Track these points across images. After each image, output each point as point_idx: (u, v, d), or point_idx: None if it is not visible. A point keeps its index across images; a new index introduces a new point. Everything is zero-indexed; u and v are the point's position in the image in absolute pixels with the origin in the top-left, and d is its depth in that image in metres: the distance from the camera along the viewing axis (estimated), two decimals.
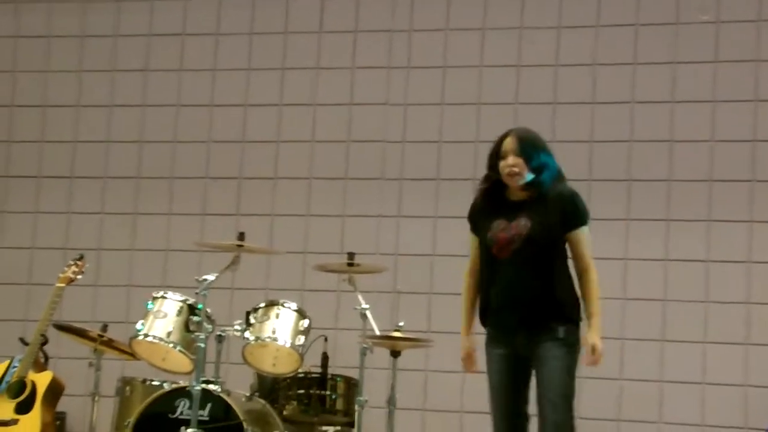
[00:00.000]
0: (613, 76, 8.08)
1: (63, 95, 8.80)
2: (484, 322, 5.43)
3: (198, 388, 6.23)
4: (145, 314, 6.60)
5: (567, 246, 5.39)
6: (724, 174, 7.85)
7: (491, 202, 5.39)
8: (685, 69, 7.98)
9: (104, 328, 6.98)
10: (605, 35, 8.12)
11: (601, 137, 8.06)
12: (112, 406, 6.86)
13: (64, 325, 7.14)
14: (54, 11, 8.87)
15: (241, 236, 6.66)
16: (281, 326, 6.60)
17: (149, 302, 6.64)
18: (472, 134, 8.11)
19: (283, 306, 6.68)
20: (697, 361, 7.71)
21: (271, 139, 8.50)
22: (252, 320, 6.62)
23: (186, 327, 6.52)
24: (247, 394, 6.72)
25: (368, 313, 6.50)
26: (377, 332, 6.45)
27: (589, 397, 7.73)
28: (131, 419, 6.45)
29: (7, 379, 6.98)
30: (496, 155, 5.36)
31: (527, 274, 5.26)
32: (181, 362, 6.58)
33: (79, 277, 7.25)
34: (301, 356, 6.58)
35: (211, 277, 6.37)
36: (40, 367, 7.14)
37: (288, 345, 6.55)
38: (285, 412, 6.74)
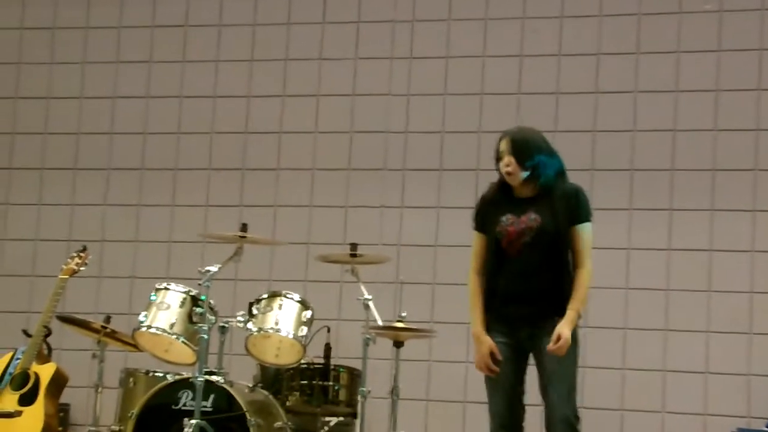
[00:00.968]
0: (616, 66, 8.07)
1: (66, 87, 8.81)
2: (487, 314, 5.44)
3: (201, 379, 6.24)
4: (148, 306, 6.60)
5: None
6: (727, 163, 7.84)
7: (500, 197, 5.49)
8: (689, 58, 7.97)
9: (107, 319, 6.99)
10: (608, 25, 8.11)
11: (604, 127, 8.05)
12: (116, 398, 6.86)
13: (68, 316, 7.15)
14: (59, 3, 8.88)
15: (244, 227, 6.67)
16: (284, 317, 6.61)
17: (152, 294, 6.65)
18: (474, 124, 8.11)
19: (286, 297, 6.68)
20: (700, 351, 7.71)
21: (274, 130, 8.50)
22: (255, 311, 6.62)
23: (189, 318, 6.52)
24: (250, 385, 6.72)
25: (371, 304, 6.51)
26: (380, 323, 6.46)
27: (592, 387, 7.75)
28: (135, 410, 6.45)
29: (10, 371, 6.99)
30: (497, 157, 5.49)
31: (536, 268, 5.34)
32: (184, 353, 6.59)
33: (82, 268, 7.26)
34: (304, 347, 6.58)
35: (214, 269, 6.37)
36: (44, 358, 7.15)
37: (291, 336, 6.56)
38: (288, 403, 6.74)
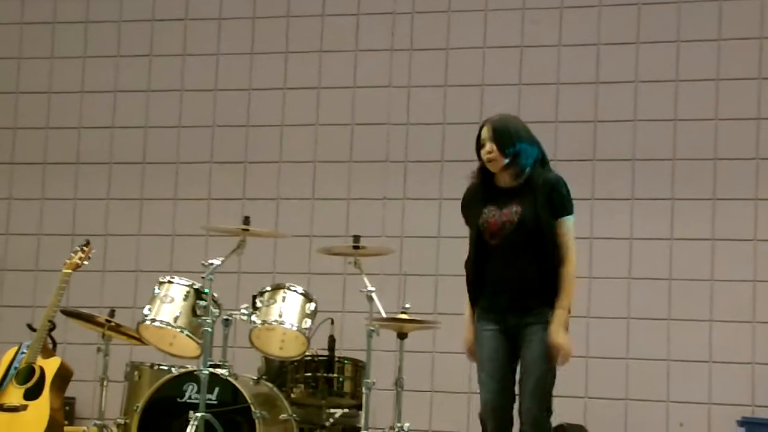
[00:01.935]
0: (617, 56, 8.08)
1: (68, 81, 8.81)
2: (476, 303, 5.48)
3: (206, 372, 6.25)
4: (152, 299, 6.61)
5: None
6: (728, 152, 7.85)
7: (482, 190, 5.50)
8: (689, 48, 7.97)
9: (112, 313, 6.99)
10: (608, 15, 8.11)
11: (605, 117, 8.06)
12: (121, 391, 6.88)
13: (72, 310, 7.16)
14: None
15: (247, 220, 6.67)
16: (288, 310, 6.61)
17: (156, 287, 6.66)
18: (475, 116, 8.07)
19: (290, 289, 6.68)
20: (703, 340, 7.72)
21: (276, 123, 8.51)
22: (258, 304, 6.63)
23: (193, 311, 6.53)
24: (255, 378, 6.73)
25: (374, 296, 6.50)
26: (384, 314, 6.45)
27: (596, 377, 7.78)
28: (140, 404, 6.46)
29: (15, 365, 6.99)
30: (478, 144, 5.49)
31: (518, 259, 5.35)
32: (189, 347, 6.60)
33: (85, 262, 7.25)
34: (308, 339, 6.58)
35: (217, 262, 6.38)
36: (49, 353, 7.15)
37: (295, 328, 6.56)
38: (292, 395, 6.75)
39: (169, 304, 6.56)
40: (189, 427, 6.13)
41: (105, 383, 6.84)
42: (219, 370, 6.44)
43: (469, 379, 7.76)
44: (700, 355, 7.70)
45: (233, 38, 8.63)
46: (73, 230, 8.54)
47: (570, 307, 5.37)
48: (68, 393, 7.30)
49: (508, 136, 5.42)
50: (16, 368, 6.98)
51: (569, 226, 5.43)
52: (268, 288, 6.70)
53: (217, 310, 6.48)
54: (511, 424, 5.41)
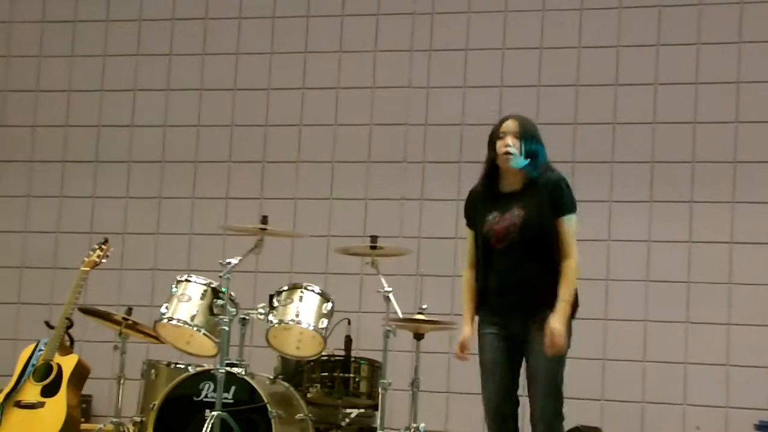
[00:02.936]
0: (637, 58, 8.06)
1: (88, 80, 8.84)
2: (480, 307, 5.49)
3: (222, 371, 6.26)
4: (169, 297, 6.63)
5: None
6: (748, 155, 7.81)
7: (486, 195, 5.48)
8: (709, 50, 7.95)
9: (129, 311, 7.01)
10: (628, 17, 8.09)
11: (624, 119, 8.04)
12: (138, 389, 6.90)
13: (90, 308, 7.18)
14: None
15: (265, 220, 6.68)
16: (305, 309, 6.61)
17: (173, 286, 6.67)
18: (494, 117, 8.04)
19: (307, 289, 6.68)
20: (721, 343, 7.69)
21: (294, 122, 8.52)
22: (275, 303, 6.64)
23: (210, 310, 6.54)
24: (271, 377, 6.74)
25: (391, 296, 6.50)
26: (400, 315, 6.46)
27: (613, 379, 7.76)
28: (156, 402, 6.47)
29: (33, 362, 7.03)
30: (495, 135, 5.45)
31: (523, 262, 5.33)
32: (206, 345, 6.62)
33: (103, 260, 7.29)
34: (325, 339, 6.58)
35: (234, 261, 6.39)
36: (66, 350, 7.18)
37: (311, 328, 6.57)
38: (309, 395, 6.76)
39: (187, 302, 6.57)
40: (205, 426, 6.14)
41: (122, 381, 6.86)
42: (236, 369, 6.46)
43: None
44: (718, 358, 7.68)
45: (253, 38, 8.64)
46: (91, 228, 8.56)
47: (572, 301, 5.31)
48: (85, 390, 7.33)
49: (531, 134, 5.42)
50: (33, 365, 7.02)
51: (572, 224, 5.37)
52: (285, 287, 6.71)
53: (234, 309, 6.49)
54: (516, 429, 5.39)
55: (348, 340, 6.87)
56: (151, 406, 6.50)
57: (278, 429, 6.30)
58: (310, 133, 8.48)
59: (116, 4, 8.87)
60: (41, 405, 6.91)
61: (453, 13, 8.38)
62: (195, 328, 6.54)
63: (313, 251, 8.14)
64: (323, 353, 6.68)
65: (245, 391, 6.41)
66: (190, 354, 6.75)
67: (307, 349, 6.68)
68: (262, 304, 6.66)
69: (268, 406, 6.33)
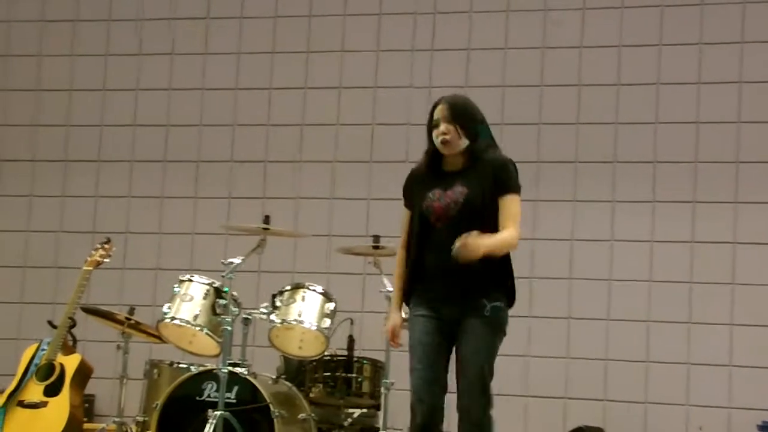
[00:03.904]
0: (638, 58, 8.06)
1: (89, 79, 8.84)
2: (412, 289, 5.27)
3: (225, 370, 6.27)
4: (171, 297, 6.62)
5: None
6: (751, 155, 7.81)
7: (427, 174, 5.27)
8: (711, 50, 7.95)
9: (131, 311, 7.01)
10: (630, 16, 8.09)
11: (626, 119, 8.04)
12: (140, 389, 6.90)
13: (92, 308, 7.19)
14: None
15: (267, 219, 6.68)
16: (307, 309, 6.61)
17: (176, 285, 6.67)
18: (497, 116, 8.05)
19: (309, 289, 6.68)
20: (724, 344, 7.69)
21: (296, 122, 8.52)
22: (278, 303, 6.63)
23: (212, 310, 6.53)
24: (274, 377, 6.74)
25: None
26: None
27: (616, 380, 7.76)
28: (159, 402, 6.48)
29: (36, 361, 7.02)
30: (430, 125, 5.27)
31: None
32: (208, 345, 6.61)
33: (106, 260, 7.27)
34: (327, 339, 6.58)
35: (237, 261, 6.39)
36: (69, 349, 7.18)
37: (314, 328, 6.56)
38: (311, 395, 6.76)
39: (189, 302, 6.57)
40: (208, 426, 6.14)
41: (124, 381, 6.87)
42: (238, 369, 6.45)
43: None
44: (721, 358, 7.68)
45: (255, 37, 8.64)
46: (93, 228, 8.56)
47: (495, 248, 4.97)
48: (88, 390, 7.33)
49: (470, 116, 5.21)
50: (36, 365, 7.01)
51: (515, 204, 5.11)
52: (288, 287, 6.71)
53: (236, 309, 6.49)
54: (441, 416, 5.15)
55: (350, 340, 6.87)
56: (154, 405, 6.50)
57: (281, 429, 6.29)
58: (313, 133, 8.48)
59: (117, 5, 8.87)
60: (44, 404, 6.91)
61: (455, 12, 8.38)
62: (197, 328, 6.53)
63: (315, 251, 8.14)
64: (326, 353, 6.68)
65: (248, 391, 6.41)
66: (192, 354, 6.74)
67: (309, 349, 6.68)
68: (265, 304, 6.65)
69: (270, 406, 6.33)
